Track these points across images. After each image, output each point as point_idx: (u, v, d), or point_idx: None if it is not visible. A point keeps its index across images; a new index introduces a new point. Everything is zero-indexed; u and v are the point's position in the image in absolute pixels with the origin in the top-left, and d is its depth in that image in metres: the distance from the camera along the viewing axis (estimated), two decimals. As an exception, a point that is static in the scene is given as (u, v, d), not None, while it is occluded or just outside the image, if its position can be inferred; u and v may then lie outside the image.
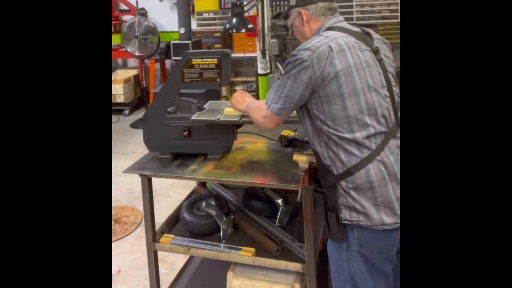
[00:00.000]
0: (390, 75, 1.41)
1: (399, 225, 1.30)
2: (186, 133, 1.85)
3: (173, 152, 1.90)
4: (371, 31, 1.48)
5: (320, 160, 1.40)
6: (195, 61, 1.85)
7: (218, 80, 1.86)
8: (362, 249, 1.34)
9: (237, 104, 1.74)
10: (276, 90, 1.40)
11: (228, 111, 1.80)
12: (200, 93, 1.90)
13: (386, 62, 1.43)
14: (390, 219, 1.31)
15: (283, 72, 1.39)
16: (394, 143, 1.35)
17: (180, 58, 1.91)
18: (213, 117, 1.79)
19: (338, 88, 1.30)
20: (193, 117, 1.81)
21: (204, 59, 1.84)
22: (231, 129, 1.86)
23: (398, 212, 1.31)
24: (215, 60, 1.84)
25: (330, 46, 1.31)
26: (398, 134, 1.37)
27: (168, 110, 1.89)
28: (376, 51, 1.40)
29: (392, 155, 1.33)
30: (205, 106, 1.88)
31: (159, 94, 1.90)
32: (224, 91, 1.96)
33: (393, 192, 1.31)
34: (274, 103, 1.40)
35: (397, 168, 1.33)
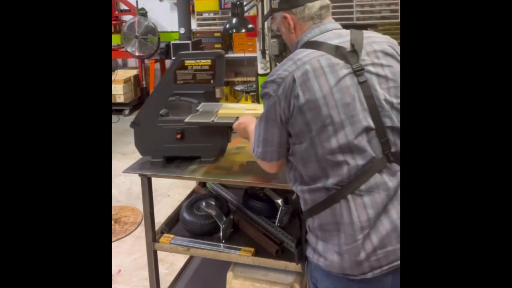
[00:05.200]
0: (381, 98, 1.14)
1: (364, 277, 1.12)
2: (179, 136, 1.81)
3: (165, 155, 1.87)
4: (369, 33, 1.28)
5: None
6: (188, 62, 1.82)
7: (212, 81, 1.83)
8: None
9: (241, 135, 1.64)
10: (255, 132, 1.27)
11: (222, 113, 1.78)
12: (200, 93, 1.89)
13: (376, 81, 1.15)
14: (354, 270, 1.12)
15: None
16: (379, 181, 1.12)
17: (180, 58, 1.90)
18: (207, 119, 1.76)
19: (306, 125, 1.13)
20: (187, 120, 1.78)
21: (197, 60, 1.81)
22: (225, 131, 1.83)
23: (366, 269, 1.11)
24: (208, 62, 1.81)
25: (294, 77, 1.13)
26: (386, 170, 1.14)
27: (160, 112, 1.85)
28: (359, 70, 1.14)
29: (369, 195, 1.11)
30: (198, 108, 1.85)
31: (151, 97, 1.87)
32: (218, 92, 1.90)
33: (363, 243, 1.11)
34: (256, 146, 1.27)
35: (374, 213, 1.11)
